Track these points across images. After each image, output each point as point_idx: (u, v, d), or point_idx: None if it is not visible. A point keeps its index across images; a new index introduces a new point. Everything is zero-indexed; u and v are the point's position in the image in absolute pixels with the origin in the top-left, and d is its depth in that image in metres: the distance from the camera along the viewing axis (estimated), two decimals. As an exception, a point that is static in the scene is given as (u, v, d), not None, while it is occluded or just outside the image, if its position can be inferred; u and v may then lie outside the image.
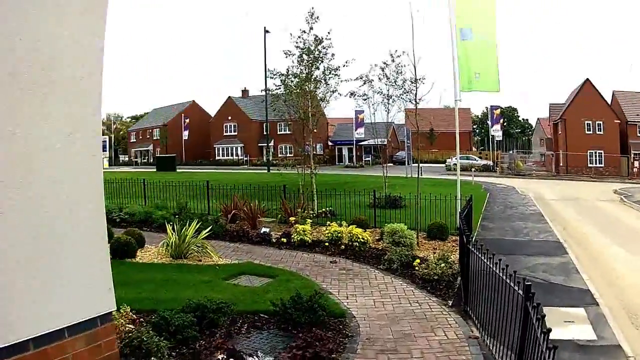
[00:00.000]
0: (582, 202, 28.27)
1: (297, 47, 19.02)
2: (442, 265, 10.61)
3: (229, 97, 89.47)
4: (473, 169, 45.92)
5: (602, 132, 55.88)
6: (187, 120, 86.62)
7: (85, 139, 4.46)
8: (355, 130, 68.55)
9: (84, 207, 4.49)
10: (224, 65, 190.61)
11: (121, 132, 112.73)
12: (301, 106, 19.68)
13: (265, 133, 66.50)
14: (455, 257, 11.38)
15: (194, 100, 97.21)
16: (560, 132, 59.93)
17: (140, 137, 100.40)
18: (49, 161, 4.13)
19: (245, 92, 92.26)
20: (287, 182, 20.10)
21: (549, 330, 4.41)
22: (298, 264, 12.00)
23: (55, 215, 4.19)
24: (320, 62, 19.15)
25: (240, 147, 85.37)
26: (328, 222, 14.89)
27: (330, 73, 19.40)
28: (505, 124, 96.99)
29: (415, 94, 15.89)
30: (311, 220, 15.74)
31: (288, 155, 52.69)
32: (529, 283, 5.45)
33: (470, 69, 17.11)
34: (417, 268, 10.97)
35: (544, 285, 10.97)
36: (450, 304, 9.16)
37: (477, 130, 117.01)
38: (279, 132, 75.91)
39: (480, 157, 67.60)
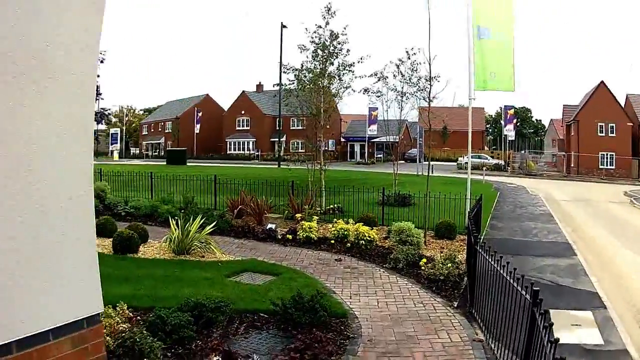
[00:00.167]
0: (592, 204, 27.92)
1: (312, 42, 18.88)
2: (449, 265, 10.40)
3: (243, 91, 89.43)
4: (484, 168, 45.53)
5: (614, 135, 55.54)
6: (200, 114, 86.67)
7: (74, 135, 4.34)
8: (368, 127, 68.33)
9: (70, 206, 4.31)
10: (224, 65, 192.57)
11: (133, 125, 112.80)
12: (314, 102, 19.50)
13: (277, 128, 66.32)
14: (462, 257, 11.15)
15: (207, 94, 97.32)
16: (572, 134, 59.55)
17: (152, 130, 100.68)
18: (40, 160, 4.02)
19: (259, 86, 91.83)
20: (297, 178, 19.93)
21: (557, 340, 4.20)
22: (302, 262, 11.82)
23: (40, 214, 4.06)
24: (335, 57, 19.00)
25: (252, 142, 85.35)
26: (335, 220, 14.70)
27: (344, 69, 19.27)
28: (518, 124, 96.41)
29: (429, 92, 15.64)
30: (318, 217, 15.57)
31: (300, 150, 52.41)
32: (537, 289, 5.24)
33: (486, 68, 16.89)
34: (423, 268, 10.78)
35: (552, 287, 10.75)
36: (455, 305, 8.95)
37: (490, 130, 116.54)
38: (291, 128, 75.66)
39: (492, 157, 67.16)
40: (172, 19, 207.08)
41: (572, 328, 8.30)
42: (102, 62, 19.76)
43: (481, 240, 8.49)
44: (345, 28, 18.85)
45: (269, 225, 14.79)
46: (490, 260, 7.09)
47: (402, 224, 13.46)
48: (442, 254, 11.88)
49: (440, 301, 9.16)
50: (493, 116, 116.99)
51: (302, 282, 9.77)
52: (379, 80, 21.76)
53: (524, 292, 5.53)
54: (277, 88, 25.80)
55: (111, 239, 12.20)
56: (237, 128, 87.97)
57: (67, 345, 4.19)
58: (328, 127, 21.71)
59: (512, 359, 5.99)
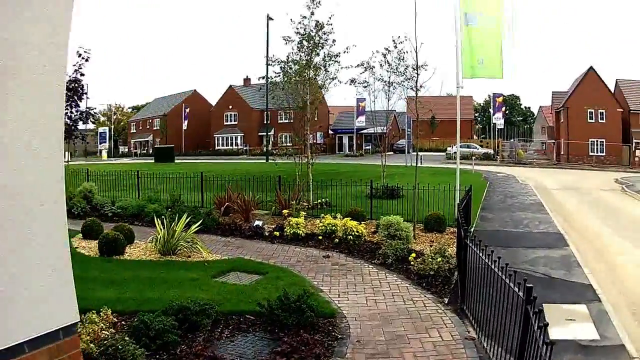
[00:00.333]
0: (583, 192, 27.83)
1: (297, 33, 18.57)
2: (439, 259, 10.21)
3: (230, 85, 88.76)
4: (474, 157, 45.55)
5: (604, 121, 55.54)
6: (187, 110, 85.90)
7: (42, 137, 4.13)
8: (356, 118, 67.92)
9: (40, 212, 4.10)
10: (216, 61, 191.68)
11: (122, 123, 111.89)
12: (300, 94, 19.24)
13: (265, 122, 65.94)
14: (452, 251, 11.00)
15: (195, 90, 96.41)
16: (562, 120, 59.41)
17: (141, 128, 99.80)
18: (7, 164, 3.82)
19: (247, 80, 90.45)
20: (285, 173, 19.71)
21: (552, 343, 4.03)
22: (290, 260, 11.62)
23: (8, 222, 3.85)
24: (320, 48, 18.70)
25: (241, 137, 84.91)
26: (322, 215, 14.50)
27: (330, 59, 18.94)
28: (507, 112, 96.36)
29: (417, 80, 15.46)
30: (305, 213, 15.36)
31: (288, 144, 52.07)
32: (530, 285, 5.05)
33: (474, 55, 16.59)
34: (412, 263, 10.60)
35: (545, 280, 10.60)
36: (446, 302, 8.78)
37: (479, 118, 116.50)
38: (279, 121, 75.13)
39: (481, 146, 67.24)
40: (168, 17, 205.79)
41: (566, 323, 8.15)
42: (86, 60, 19.19)
43: (471, 233, 8.33)
44: (330, 18, 18.54)
45: (256, 223, 14.59)
46: (481, 254, 6.89)
47: (390, 217, 13.23)
48: (431, 248, 11.66)
49: (431, 297, 8.99)
50: (482, 104, 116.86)
51: (289, 281, 9.59)
52: (365, 70, 21.58)
53: (517, 289, 5.35)
54: (263, 81, 25.42)
55: (97, 241, 11.97)
56: (225, 123, 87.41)
57: (44, 357, 4.05)
58: (315, 119, 21.49)
59: (506, 357, 5.81)
